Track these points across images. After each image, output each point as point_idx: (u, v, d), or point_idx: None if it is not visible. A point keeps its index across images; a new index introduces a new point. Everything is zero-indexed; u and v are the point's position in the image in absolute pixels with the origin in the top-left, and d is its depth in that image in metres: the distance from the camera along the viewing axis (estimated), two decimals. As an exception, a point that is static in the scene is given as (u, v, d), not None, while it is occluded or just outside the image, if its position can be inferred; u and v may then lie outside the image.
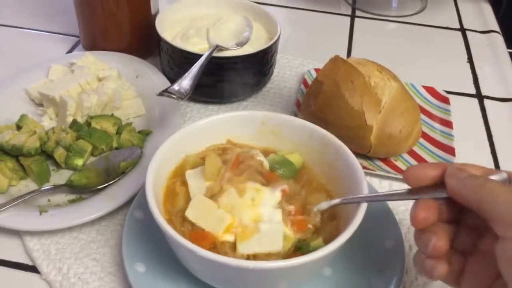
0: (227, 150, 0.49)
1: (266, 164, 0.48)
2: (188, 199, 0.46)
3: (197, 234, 0.43)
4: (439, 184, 0.39)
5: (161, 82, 0.68)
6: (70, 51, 0.80)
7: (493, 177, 0.37)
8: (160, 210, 0.43)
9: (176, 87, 0.56)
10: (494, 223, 0.35)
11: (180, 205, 0.46)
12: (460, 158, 0.61)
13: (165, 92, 0.55)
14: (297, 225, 0.45)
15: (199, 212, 0.44)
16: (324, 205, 0.45)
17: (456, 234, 0.40)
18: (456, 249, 0.40)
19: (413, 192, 0.41)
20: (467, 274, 0.39)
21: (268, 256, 0.43)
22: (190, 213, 0.44)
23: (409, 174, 0.41)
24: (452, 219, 0.40)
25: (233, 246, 0.43)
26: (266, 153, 0.51)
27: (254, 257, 0.43)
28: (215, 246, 0.43)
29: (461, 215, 0.40)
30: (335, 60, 0.62)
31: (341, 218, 0.46)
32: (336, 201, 0.45)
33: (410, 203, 0.57)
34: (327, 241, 0.42)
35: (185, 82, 0.58)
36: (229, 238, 0.43)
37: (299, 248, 0.44)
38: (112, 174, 0.57)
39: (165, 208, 0.46)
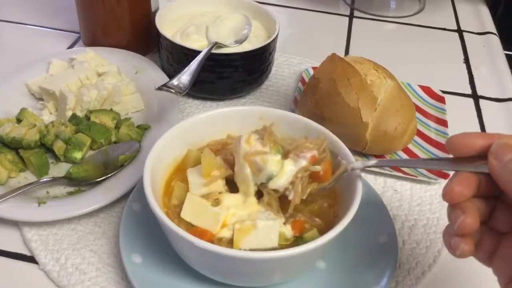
0: (227, 146, 0.50)
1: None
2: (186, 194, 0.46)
3: (196, 232, 0.44)
4: (484, 156, 0.36)
5: (160, 78, 0.69)
6: (70, 47, 0.81)
7: None
8: (159, 204, 0.43)
9: (175, 82, 0.57)
10: None
11: (178, 200, 0.47)
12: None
13: (164, 87, 0.56)
14: (296, 228, 0.45)
15: (194, 212, 0.45)
16: (359, 164, 0.44)
17: (494, 211, 0.38)
18: (492, 227, 0.38)
19: (454, 162, 0.38)
20: (500, 255, 0.36)
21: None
22: (185, 214, 0.45)
23: (454, 142, 0.37)
24: (492, 195, 0.37)
25: (230, 241, 0.44)
26: None
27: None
28: (212, 242, 0.43)
29: (502, 192, 0.37)
30: (332, 58, 0.63)
31: (339, 209, 0.46)
32: (372, 162, 0.44)
33: (403, 199, 0.58)
34: (322, 232, 0.43)
35: (184, 77, 0.58)
36: (226, 234, 0.44)
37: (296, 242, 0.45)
38: (110, 167, 0.57)
39: (163, 202, 0.47)
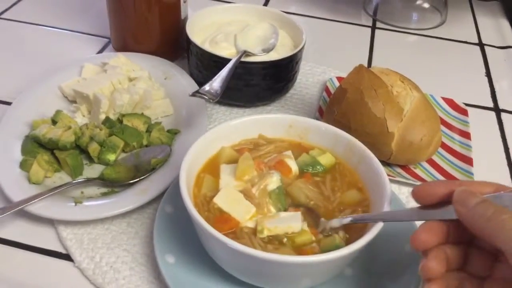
0: (259, 146, 0.51)
1: (295, 169, 0.50)
2: (216, 188, 0.48)
3: (222, 218, 0.45)
4: (449, 201, 0.37)
5: (189, 84, 0.71)
6: (100, 52, 0.83)
7: (505, 195, 0.36)
8: (190, 196, 0.45)
9: (207, 88, 0.59)
10: (510, 256, 0.32)
11: (206, 189, 0.49)
12: (477, 169, 0.63)
13: (197, 93, 0.58)
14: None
15: (227, 199, 0.47)
16: (336, 223, 0.45)
17: (469, 256, 0.38)
18: (470, 273, 0.38)
19: (422, 212, 0.40)
20: None
21: (287, 245, 0.44)
22: (218, 200, 0.47)
23: (418, 192, 0.40)
24: (463, 240, 0.38)
25: (253, 232, 0.45)
26: (298, 149, 0.53)
27: (271, 240, 0.44)
28: (234, 231, 0.45)
29: (475, 236, 0.38)
30: (359, 69, 0.64)
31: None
32: (347, 219, 0.45)
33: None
34: (349, 240, 0.44)
35: (215, 84, 0.60)
36: (250, 224, 0.46)
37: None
38: (141, 170, 0.59)
39: (194, 193, 0.49)
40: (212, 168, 0.50)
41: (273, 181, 0.48)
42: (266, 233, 0.45)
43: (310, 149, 0.54)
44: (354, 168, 0.52)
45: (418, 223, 0.54)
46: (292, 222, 0.45)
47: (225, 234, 0.42)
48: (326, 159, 0.52)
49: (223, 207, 0.46)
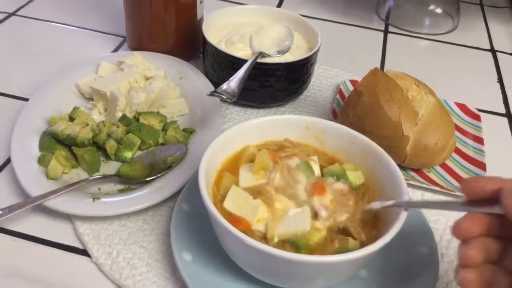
0: (284, 148, 0.52)
1: (318, 174, 0.50)
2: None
3: (233, 219, 0.46)
4: (495, 199, 0.38)
5: (204, 84, 0.72)
6: (115, 50, 0.84)
7: None
8: (209, 194, 0.45)
9: (225, 87, 0.59)
10: None
11: (224, 191, 0.49)
12: (490, 174, 0.63)
13: (215, 92, 0.58)
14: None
15: (235, 202, 0.47)
16: (377, 205, 0.46)
17: (507, 252, 0.39)
18: (505, 267, 0.39)
19: (468, 204, 0.40)
20: None
21: (298, 245, 0.45)
22: (228, 204, 0.47)
23: (466, 185, 0.40)
24: (504, 236, 0.39)
25: (264, 236, 0.45)
26: (327, 159, 0.54)
27: (283, 244, 0.45)
28: (247, 231, 0.45)
29: None
30: (375, 72, 0.65)
31: (382, 221, 0.48)
32: (389, 203, 0.46)
33: (442, 213, 0.59)
34: (365, 243, 0.44)
35: (233, 84, 0.61)
36: (261, 228, 0.46)
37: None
38: (157, 168, 0.59)
39: (213, 192, 0.49)
40: (233, 167, 0.51)
41: (294, 160, 0.48)
42: (276, 240, 0.45)
43: (343, 163, 0.53)
44: (369, 171, 0.52)
45: (432, 225, 0.54)
46: (300, 223, 0.45)
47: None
48: (354, 176, 0.51)
49: (232, 211, 0.47)
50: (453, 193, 0.60)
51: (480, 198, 0.39)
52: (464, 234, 0.39)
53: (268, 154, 0.50)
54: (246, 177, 0.50)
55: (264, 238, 0.45)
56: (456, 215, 0.58)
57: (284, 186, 0.48)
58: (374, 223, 0.48)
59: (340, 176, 0.50)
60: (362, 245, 0.45)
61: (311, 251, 0.45)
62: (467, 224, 0.38)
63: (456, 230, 0.39)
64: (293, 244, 0.45)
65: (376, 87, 0.62)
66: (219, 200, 0.48)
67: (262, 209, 0.46)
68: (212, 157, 0.49)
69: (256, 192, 0.48)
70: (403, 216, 0.44)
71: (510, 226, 0.38)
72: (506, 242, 0.39)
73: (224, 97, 0.58)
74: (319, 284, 0.47)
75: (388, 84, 0.62)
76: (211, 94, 0.58)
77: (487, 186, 0.39)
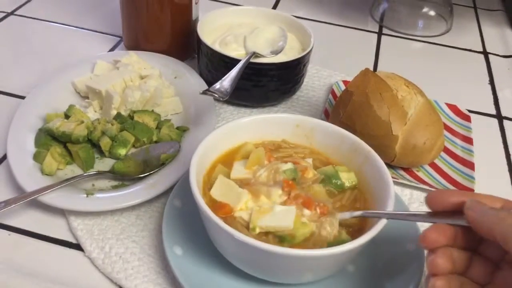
0: (280, 148, 0.53)
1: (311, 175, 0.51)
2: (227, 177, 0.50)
3: (216, 205, 0.47)
4: (460, 211, 0.40)
5: (198, 83, 0.73)
6: (111, 50, 0.85)
7: None
8: (199, 186, 0.47)
9: (217, 87, 0.60)
10: None
11: (216, 178, 0.50)
12: (478, 174, 0.64)
13: (207, 91, 0.59)
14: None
15: (221, 190, 0.48)
16: (346, 215, 0.47)
17: (472, 263, 0.41)
18: (471, 278, 0.40)
19: (433, 216, 0.42)
20: None
21: (282, 237, 0.45)
22: (214, 192, 0.49)
23: (431, 198, 0.42)
24: (469, 247, 0.41)
25: (246, 225, 0.46)
26: (322, 160, 0.55)
27: (267, 235, 0.46)
28: (228, 217, 0.46)
29: (479, 245, 0.41)
30: (366, 72, 0.66)
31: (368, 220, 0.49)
32: (358, 213, 0.47)
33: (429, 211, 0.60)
34: (353, 237, 0.45)
35: (225, 83, 0.62)
36: (244, 215, 0.47)
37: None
38: (150, 165, 0.60)
39: (204, 180, 0.50)
40: (227, 161, 0.52)
41: (287, 165, 0.49)
42: (258, 230, 0.46)
43: (337, 165, 0.54)
44: (358, 169, 0.53)
45: (421, 224, 0.56)
46: (283, 221, 0.46)
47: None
48: (347, 177, 0.52)
49: (217, 198, 0.48)
50: (441, 191, 0.61)
51: (444, 210, 0.41)
52: (431, 244, 0.40)
53: (265, 152, 0.51)
54: (239, 169, 0.51)
55: (247, 228, 0.46)
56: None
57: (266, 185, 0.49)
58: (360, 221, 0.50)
59: (332, 177, 0.51)
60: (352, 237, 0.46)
61: (296, 244, 0.46)
62: (433, 235, 0.40)
63: (423, 240, 0.40)
64: (276, 235, 0.46)
65: (367, 87, 0.64)
66: (208, 189, 0.49)
67: (247, 197, 0.47)
68: (203, 154, 0.50)
69: (244, 183, 0.49)
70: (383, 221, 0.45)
71: (473, 237, 0.40)
72: (471, 253, 0.41)
73: (217, 95, 0.59)
74: (307, 278, 0.48)
75: (378, 84, 0.64)
76: (204, 92, 0.59)
77: (450, 199, 0.41)
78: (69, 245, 0.53)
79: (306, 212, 0.47)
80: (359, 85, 0.65)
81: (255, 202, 0.47)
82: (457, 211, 0.40)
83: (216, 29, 0.77)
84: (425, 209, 0.60)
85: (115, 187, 0.58)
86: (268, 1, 1.07)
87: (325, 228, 0.47)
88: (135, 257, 0.51)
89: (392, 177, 0.62)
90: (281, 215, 0.46)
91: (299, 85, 0.76)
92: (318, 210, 0.48)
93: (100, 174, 0.58)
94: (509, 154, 0.72)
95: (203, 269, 0.49)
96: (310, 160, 0.54)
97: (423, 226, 0.58)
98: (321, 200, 0.49)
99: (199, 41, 0.72)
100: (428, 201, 0.42)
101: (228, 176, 0.50)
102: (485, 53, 0.98)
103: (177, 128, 0.66)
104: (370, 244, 0.45)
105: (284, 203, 0.48)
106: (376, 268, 0.51)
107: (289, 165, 0.51)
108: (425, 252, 0.43)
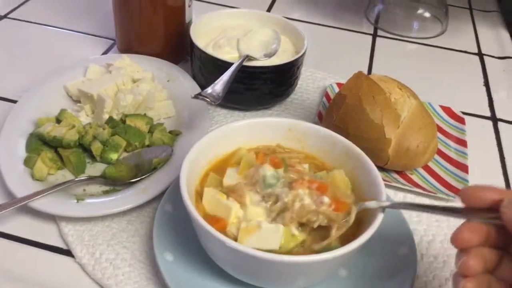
0: (275, 153, 0.53)
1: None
2: (220, 186, 0.50)
3: (212, 219, 0.47)
4: (494, 209, 0.38)
5: (191, 86, 0.72)
6: (105, 53, 0.85)
7: None
8: (193, 201, 0.46)
9: (209, 91, 0.60)
10: None
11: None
12: (472, 176, 0.64)
13: (199, 95, 0.59)
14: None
15: (210, 203, 0.48)
16: (374, 204, 0.46)
17: (502, 262, 0.40)
18: (499, 277, 0.39)
19: (467, 212, 0.40)
20: None
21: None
22: (205, 205, 0.48)
23: (467, 194, 0.40)
24: (501, 246, 0.40)
25: (235, 239, 0.46)
26: (317, 165, 0.55)
27: None
28: (225, 230, 0.46)
29: (510, 243, 0.39)
30: (359, 75, 0.66)
31: (362, 221, 0.49)
32: (386, 203, 0.46)
33: (422, 214, 0.60)
34: (343, 242, 0.45)
35: (217, 87, 0.61)
36: (233, 230, 0.46)
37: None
38: (142, 169, 0.60)
39: (196, 190, 0.50)
40: (221, 167, 0.52)
41: (268, 168, 0.48)
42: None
43: (332, 169, 0.54)
44: (349, 172, 0.53)
45: (413, 228, 0.55)
46: (268, 244, 0.45)
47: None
48: (337, 174, 0.52)
49: (208, 211, 0.48)
50: (434, 194, 0.61)
51: (478, 207, 0.40)
52: (464, 244, 0.39)
53: (255, 156, 0.51)
54: (231, 176, 0.50)
55: (235, 240, 0.45)
56: (437, 217, 0.60)
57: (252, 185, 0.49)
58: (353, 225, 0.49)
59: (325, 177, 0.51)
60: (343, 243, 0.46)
61: (287, 252, 0.45)
62: (466, 234, 0.39)
63: (456, 240, 0.39)
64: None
65: (360, 90, 0.63)
66: (201, 200, 0.49)
67: (234, 209, 0.47)
68: (195, 158, 0.50)
69: (230, 190, 0.48)
70: (380, 218, 0.45)
71: (506, 236, 0.39)
72: (501, 251, 0.40)
73: (208, 100, 0.59)
74: (299, 284, 0.48)
75: (371, 87, 0.63)
76: (195, 97, 0.59)
77: (487, 195, 0.39)
78: (59, 251, 0.53)
79: (295, 230, 0.46)
80: (352, 88, 0.64)
81: (243, 210, 0.47)
82: (491, 208, 0.39)
83: (210, 32, 0.77)
84: (418, 213, 0.60)
85: (106, 192, 0.57)
86: (263, 4, 1.06)
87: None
88: (126, 263, 0.51)
89: (385, 181, 0.62)
90: (268, 234, 0.45)
91: (293, 88, 0.76)
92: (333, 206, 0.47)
93: (91, 179, 0.58)
94: (503, 157, 0.72)
95: (194, 275, 0.49)
96: (307, 166, 0.54)
97: (415, 230, 0.58)
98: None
99: (192, 44, 0.72)
100: (464, 196, 0.40)
101: (220, 184, 0.50)
102: (480, 55, 0.97)
103: (170, 132, 0.66)
104: (362, 249, 0.44)
105: (292, 188, 0.47)
106: (368, 272, 0.51)
107: (270, 169, 0.49)
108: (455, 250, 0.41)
